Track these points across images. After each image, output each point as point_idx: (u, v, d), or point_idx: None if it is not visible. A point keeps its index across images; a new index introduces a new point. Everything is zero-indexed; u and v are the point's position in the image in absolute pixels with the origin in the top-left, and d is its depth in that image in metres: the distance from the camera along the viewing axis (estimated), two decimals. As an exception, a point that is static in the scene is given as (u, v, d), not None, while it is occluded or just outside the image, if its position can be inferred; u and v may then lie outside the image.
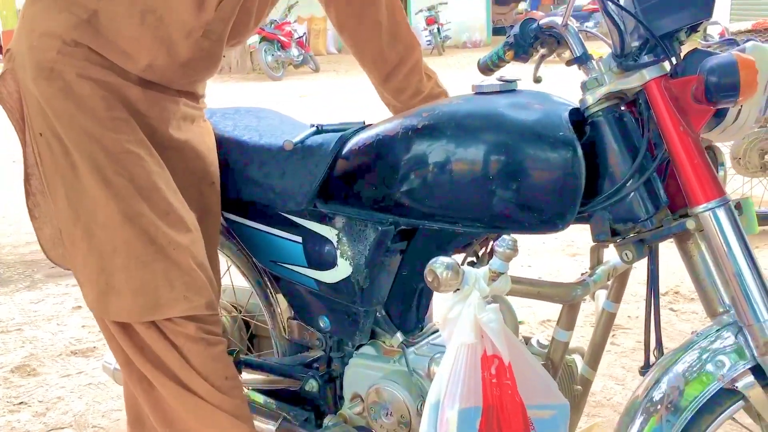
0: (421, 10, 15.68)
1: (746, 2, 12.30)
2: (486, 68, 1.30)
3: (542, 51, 1.23)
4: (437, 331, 1.43)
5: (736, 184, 3.60)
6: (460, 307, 1.01)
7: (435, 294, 1.40)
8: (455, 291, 1.02)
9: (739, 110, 1.04)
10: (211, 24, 1.26)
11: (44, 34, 1.21)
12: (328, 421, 1.47)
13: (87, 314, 2.92)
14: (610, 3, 1.06)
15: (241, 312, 1.78)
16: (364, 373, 1.40)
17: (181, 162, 1.35)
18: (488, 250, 1.43)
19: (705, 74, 1.01)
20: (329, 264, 1.39)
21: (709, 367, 1.06)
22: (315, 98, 9.65)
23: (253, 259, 1.57)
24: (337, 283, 1.39)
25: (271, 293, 1.60)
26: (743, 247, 1.04)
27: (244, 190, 1.48)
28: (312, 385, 1.50)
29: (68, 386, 2.36)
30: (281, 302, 1.61)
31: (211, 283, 1.30)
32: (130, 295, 1.23)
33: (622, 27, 1.07)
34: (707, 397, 1.04)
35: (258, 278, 1.61)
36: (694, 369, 1.07)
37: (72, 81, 1.20)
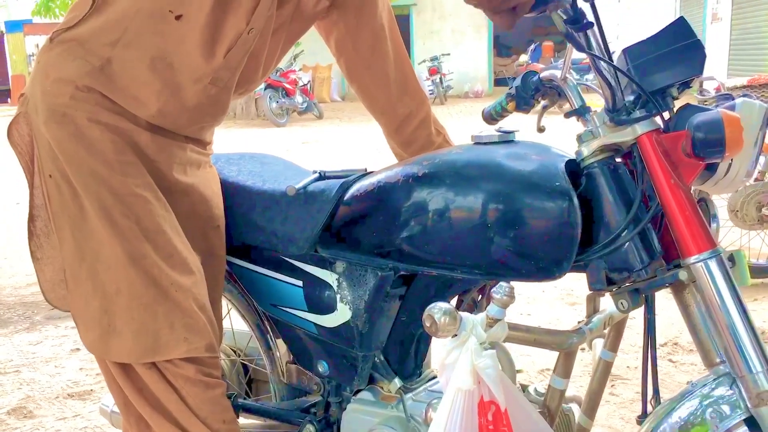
0: (424, 60, 15.98)
1: (743, 58, 12.52)
2: (490, 117, 1.34)
3: (544, 102, 1.27)
4: (435, 377, 1.43)
5: (733, 237, 3.62)
6: (457, 353, 1.02)
7: (433, 340, 1.41)
8: (453, 337, 1.03)
9: (730, 164, 1.07)
10: (219, 71, 1.29)
11: (58, 80, 1.25)
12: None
13: (85, 357, 2.91)
14: (600, 60, 1.10)
15: (240, 356, 1.78)
16: (362, 419, 1.40)
17: (187, 205, 1.37)
18: (485, 296, 1.45)
19: (692, 130, 1.04)
20: (329, 308, 1.41)
21: (705, 417, 1.07)
22: (318, 145, 9.76)
23: (254, 302, 1.58)
24: (336, 327, 1.40)
25: (270, 337, 1.61)
26: (735, 298, 1.05)
27: (246, 234, 1.50)
28: (309, 430, 1.50)
29: (64, 429, 2.34)
30: (280, 346, 1.62)
31: (212, 325, 1.31)
32: (130, 336, 1.24)
33: (613, 83, 1.11)
34: (702, 450, 1.05)
35: (258, 322, 1.62)
36: (690, 419, 1.07)
37: (83, 125, 1.24)
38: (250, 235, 1.50)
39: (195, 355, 1.26)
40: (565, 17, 1.09)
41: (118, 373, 1.28)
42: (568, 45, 1.12)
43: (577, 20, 1.08)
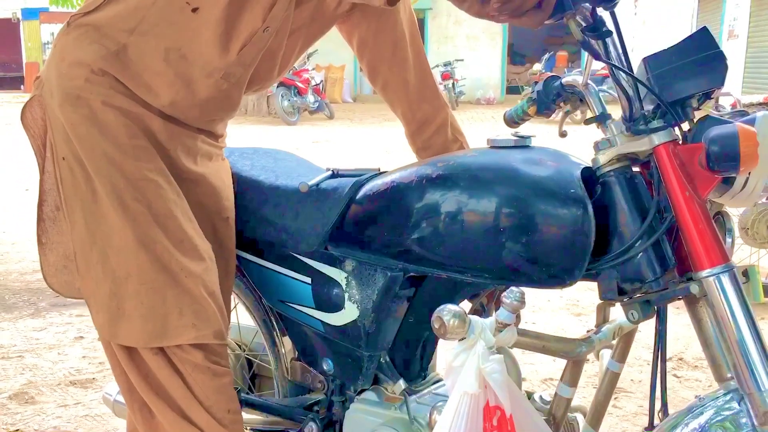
0: (437, 65, 15.97)
1: (758, 75, 12.48)
2: (511, 121, 1.34)
3: (565, 108, 1.27)
4: (440, 380, 1.43)
5: (743, 254, 3.60)
6: (464, 356, 1.02)
7: (439, 343, 1.41)
8: (461, 340, 1.03)
9: (747, 178, 1.06)
10: (232, 67, 1.30)
11: (73, 63, 1.26)
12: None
13: (88, 345, 2.92)
14: (618, 70, 1.10)
15: (245, 350, 1.78)
16: (365, 419, 1.40)
17: (196, 195, 1.38)
18: (494, 301, 1.44)
19: (707, 143, 1.04)
20: (337, 306, 1.40)
21: (711, 432, 1.06)
22: (328, 145, 9.77)
23: (261, 297, 1.58)
24: (343, 326, 1.40)
25: (276, 333, 1.61)
26: (746, 314, 1.04)
27: (257, 228, 1.50)
28: (311, 428, 1.50)
29: (65, 416, 2.34)
30: (286, 343, 1.61)
31: (221, 313, 1.31)
32: (139, 321, 1.24)
33: (631, 92, 1.11)
34: (706, 465, 1.04)
35: (264, 317, 1.62)
36: (696, 433, 1.07)
37: (97, 108, 1.25)
38: (261, 229, 1.50)
39: (203, 342, 1.26)
40: (584, 24, 1.09)
41: (125, 358, 1.28)
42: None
43: (596, 28, 1.08)
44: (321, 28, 1.44)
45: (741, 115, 1.14)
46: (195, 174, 1.38)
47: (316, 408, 1.53)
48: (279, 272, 1.49)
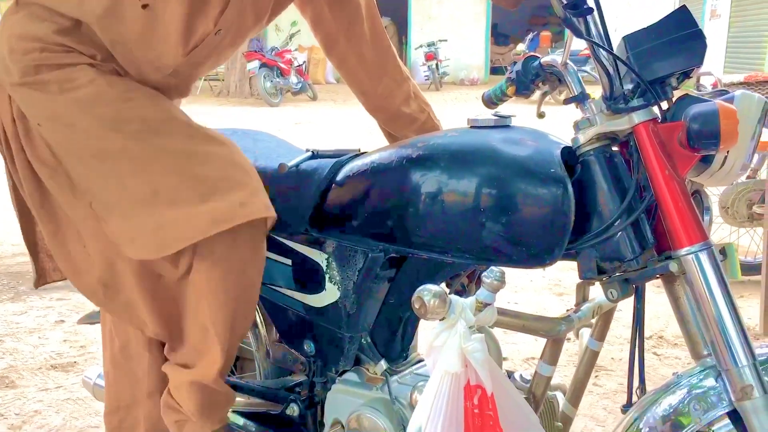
0: (420, 46, 15.89)
1: (739, 55, 12.54)
2: (490, 101, 1.33)
3: (544, 88, 1.26)
4: (421, 360, 1.43)
5: (723, 233, 3.64)
6: (445, 336, 1.02)
7: (420, 323, 1.41)
8: (441, 319, 1.03)
9: (726, 157, 1.06)
10: (181, 66, 1.31)
11: (26, 38, 1.24)
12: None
13: (69, 329, 2.90)
14: (599, 47, 1.09)
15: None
16: (346, 400, 1.40)
17: None
18: (475, 281, 1.44)
19: (687, 121, 1.04)
20: (317, 288, 1.40)
21: (689, 408, 1.07)
22: (310, 126, 9.71)
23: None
24: (324, 307, 1.40)
25: (257, 315, 1.60)
26: (724, 291, 1.05)
27: (237, 210, 1.49)
28: (293, 410, 1.50)
29: (46, 400, 2.33)
30: (267, 325, 1.61)
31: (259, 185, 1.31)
32: (195, 207, 1.23)
33: (611, 71, 1.10)
34: (684, 441, 1.05)
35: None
36: (674, 410, 1.08)
37: (60, 72, 1.23)
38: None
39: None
40: (564, 2, 1.08)
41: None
42: (568, 31, 1.11)
43: (576, 5, 1.07)
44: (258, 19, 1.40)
45: (720, 94, 1.14)
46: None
47: (297, 389, 1.53)
48: (260, 254, 1.48)
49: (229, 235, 1.24)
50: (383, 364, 1.38)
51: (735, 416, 1.04)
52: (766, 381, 1.03)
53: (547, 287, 3.54)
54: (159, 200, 1.23)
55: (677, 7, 1.11)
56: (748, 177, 3.54)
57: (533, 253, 1.14)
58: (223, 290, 1.29)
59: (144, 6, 1.22)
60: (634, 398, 1.17)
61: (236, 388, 1.61)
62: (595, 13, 1.10)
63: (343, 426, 1.39)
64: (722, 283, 1.05)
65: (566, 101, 1.17)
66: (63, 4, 1.24)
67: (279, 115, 10.92)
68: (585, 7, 1.08)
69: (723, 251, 1.13)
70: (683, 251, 1.06)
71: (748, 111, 1.05)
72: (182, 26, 1.24)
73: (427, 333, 1.07)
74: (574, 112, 1.17)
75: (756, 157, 3.44)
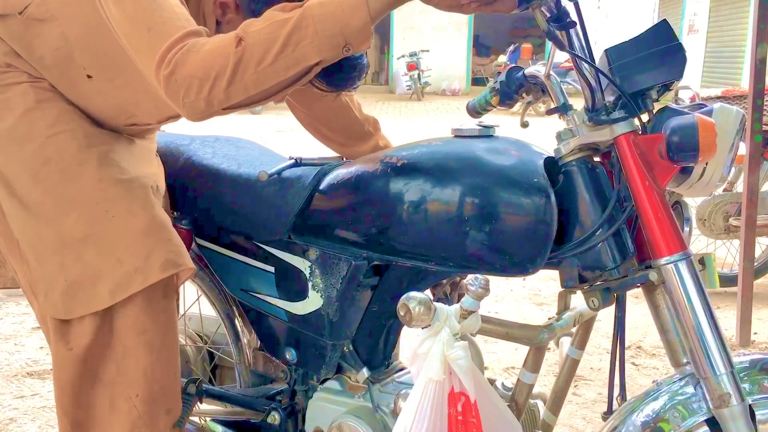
0: (403, 56, 15.96)
1: (716, 70, 12.74)
2: (474, 111, 1.35)
3: (527, 98, 1.28)
4: (404, 368, 1.44)
5: (700, 245, 3.68)
6: (429, 343, 1.02)
7: (403, 331, 1.41)
8: (426, 327, 1.03)
9: (704, 168, 1.08)
10: (128, 129, 1.33)
11: None
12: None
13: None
14: (581, 60, 1.11)
15: (207, 342, 1.77)
16: (328, 408, 1.40)
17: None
18: (458, 290, 1.45)
19: (667, 133, 1.05)
20: (300, 295, 1.40)
21: (667, 417, 1.08)
22: (292, 134, 9.69)
23: (224, 288, 1.57)
24: (306, 315, 1.40)
25: (238, 323, 1.60)
26: (703, 301, 1.06)
27: (219, 218, 1.49)
28: (274, 418, 1.49)
29: (22, 408, 2.30)
30: (248, 332, 1.60)
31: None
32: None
33: (593, 83, 1.12)
34: (664, 448, 1.06)
35: (227, 308, 1.61)
36: (653, 418, 1.09)
37: (11, 91, 1.24)
38: (223, 219, 1.49)
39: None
40: (549, 15, 1.09)
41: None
42: (551, 43, 1.12)
43: (560, 19, 1.09)
44: None
45: (699, 107, 1.16)
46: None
47: (278, 398, 1.53)
48: (242, 261, 1.48)
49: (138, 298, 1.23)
50: (365, 372, 1.38)
51: (713, 424, 1.06)
52: (743, 389, 1.05)
53: (527, 297, 3.56)
54: (68, 256, 1.23)
55: (658, 21, 1.13)
56: (725, 190, 3.60)
57: (516, 261, 1.15)
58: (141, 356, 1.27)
59: (89, 76, 1.25)
60: (615, 406, 1.18)
61: (215, 396, 1.60)
62: (578, 26, 1.11)
63: (325, 434, 1.39)
64: (701, 293, 1.07)
65: (549, 112, 1.19)
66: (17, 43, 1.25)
67: (261, 122, 10.90)
68: (568, 20, 1.09)
69: (702, 261, 1.15)
70: (663, 261, 1.08)
71: (726, 124, 1.07)
72: (119, 104, 1.28)
73: (409, 341, 1.07)
74: (555, 123, 1.18)
75: (733, 170, 3.49)
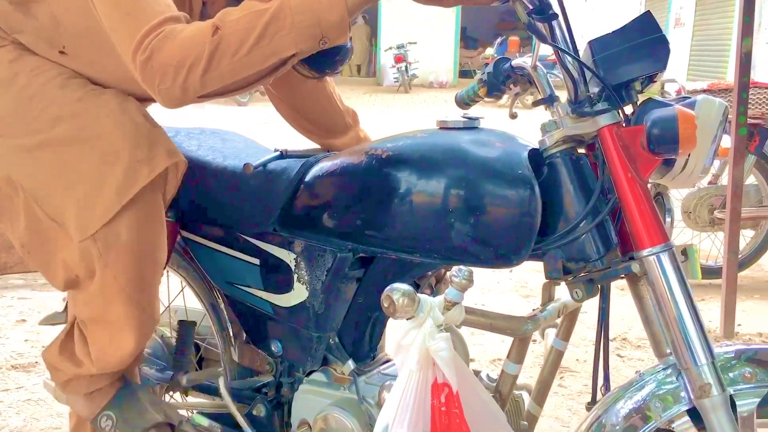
0: (390, 48, 15.91)
1: (702, 63, 12.80)
2: (462, 102, 1.35)
3: (515, 90, 1.28)
4: (389, 360, 1.44)
5: (685, 238, 3.71)
6: (413, 335, 1.02)
7: (388, 323, 1.42)
8: (410, 318, 1.03)
9: (687, 160, 1.09)
10: None
11: None
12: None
13: (30, 329, 2.85)
14: (564, 53, 1.11)
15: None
16: (314, 400, 1.40)
17: None
18: (443, 282, 1.46)
19: (648, 125, 1.06)
20: (285, 288, 1.40)
21: (649, 407, 1.09)
22: (279, 125, 9.65)
23: (209, 280, 1.56)
24: (292, 307, 1.40)
25: (224, 315, 1.59)
26: (684, 292, 1.07)
27: (205, 210, 1.48)
28: (260, 410, 1.49)
29: (6, 401, 2.29)
30: (234, 325, 1.60)
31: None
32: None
33: (576, 75, 1.12)
34: (646, 437, 1.08)
35: (212, 300, 1.60)
36: (635, 408, 1.10)
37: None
38: (209, 211, 1.48)
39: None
40: (530, 7, 1.09)
41: None
42: (536, 34, 1.12)
43: (542, 11, 1.09)
44: None
45: (683, 100, 1.16)
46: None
47: (264, 390, 1.52)
48: (227, 254, 1.48)
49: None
50: (351, 364, 1.38)
51: (694, 413, 1.07)
52: (724, 379, 1.06)
53: (513, 289, 3.58)
54: (70, 173, 1.24)
55: (642, 12, 1.13)
56: (710, 183, 3.62)
57: (501, 253, 1.15)
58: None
59: (61, 52, 1.26)
60: (599, 396, 1.19)
61: (201, 389, 1.60)
62: (561, 18, 1.11)
63: (310, 426, 1.39)
64: (683, 284, 1.08)
65: (535, 103, 1.19)
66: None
67: (248, 114, 10.85)
68: (550, 12, 1.09)
69: (684, 252, 1.16)
70: (645, 252, 1.08)
71: (708, 116, 1.07)
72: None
73: (394, 333, 1.08)
74: (544, 115, 1.18)
75: (717, 163, 3.51)
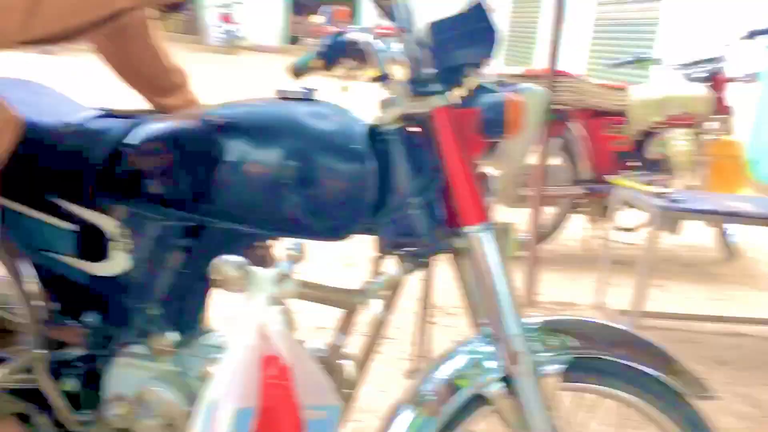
0: (214, 5, 15.33)
1: (515, 51, 13.64)
2: (296, 72, 1.33)
3: (351, 63, 1.28)
4: (213, 332, 1.41)
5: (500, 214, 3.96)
6: (243, 308, 1.01)
7: (214, 294, 1.38)
8: (240, 291, 1.02)
9: (512, 143, 1.16)
10: None
11: None
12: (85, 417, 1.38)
13: None
14: (405, 33, 1.14)
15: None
16: (132, 373, 1.34)
17: None
18: (270, 253, 1.44)
19: (479, 109, 1.12)
20: (104, 256, 1.32)
21: (466, 373, 1.17)
22: (96, 80, 9.00)
23: (16, 246, 1.43)
24: (111, 276, 1.32)
25: (30, 285, 1.47)
26: (501, 268, 1.16)
27: (15, 171, 1.35)
28: (70, 385, 1.40)
29: None
30: (42, 294, 1.48)
31: None
32: None
33: (414, 55, 1.15)
34: (461, 402, 1.15)
35: (17, 268, 1.47)
36: (453, 375, 1.17)
37: None
38: (19, 172, 1.34)
39: None
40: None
41: None
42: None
43: None
44: None
45: (510, 86, 1.24)
46: None
47: (75, 363, 1.43)
48: (40, 219, 1.36)
49: None
50: (173, 335, 1.33)
51: (507, 379, 1.16)
52: (532, 347, 1.16)
53: (337, 259, 3.63)
54: None
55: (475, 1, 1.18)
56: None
57: (332, 226, 1.16)
58: None
59: None
60: (419, 365, 1.25)
61: (2, 362, 1.47)
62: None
63: (127, 401, 1.33)
64: (500, 261, 1.16)
65: (370, 80, 1.21)
66: None
67: (54, 65, 9.97)
68: None
69: (503, 230, 1.25)
70: (468, 229, 1.15)
71: (532, 103, 1.15)
72: None
73: (219, 305, 1.05)
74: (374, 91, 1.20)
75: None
